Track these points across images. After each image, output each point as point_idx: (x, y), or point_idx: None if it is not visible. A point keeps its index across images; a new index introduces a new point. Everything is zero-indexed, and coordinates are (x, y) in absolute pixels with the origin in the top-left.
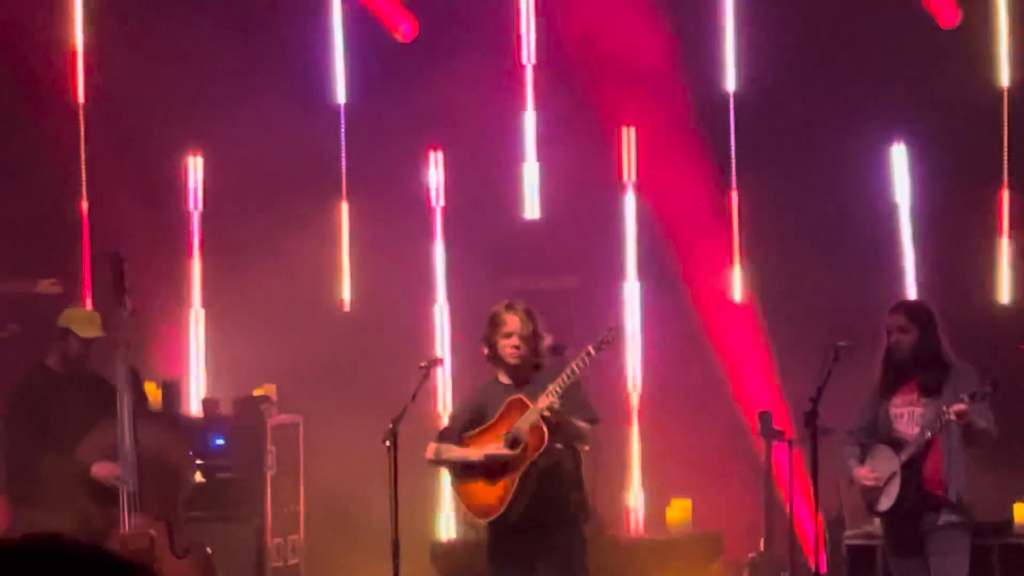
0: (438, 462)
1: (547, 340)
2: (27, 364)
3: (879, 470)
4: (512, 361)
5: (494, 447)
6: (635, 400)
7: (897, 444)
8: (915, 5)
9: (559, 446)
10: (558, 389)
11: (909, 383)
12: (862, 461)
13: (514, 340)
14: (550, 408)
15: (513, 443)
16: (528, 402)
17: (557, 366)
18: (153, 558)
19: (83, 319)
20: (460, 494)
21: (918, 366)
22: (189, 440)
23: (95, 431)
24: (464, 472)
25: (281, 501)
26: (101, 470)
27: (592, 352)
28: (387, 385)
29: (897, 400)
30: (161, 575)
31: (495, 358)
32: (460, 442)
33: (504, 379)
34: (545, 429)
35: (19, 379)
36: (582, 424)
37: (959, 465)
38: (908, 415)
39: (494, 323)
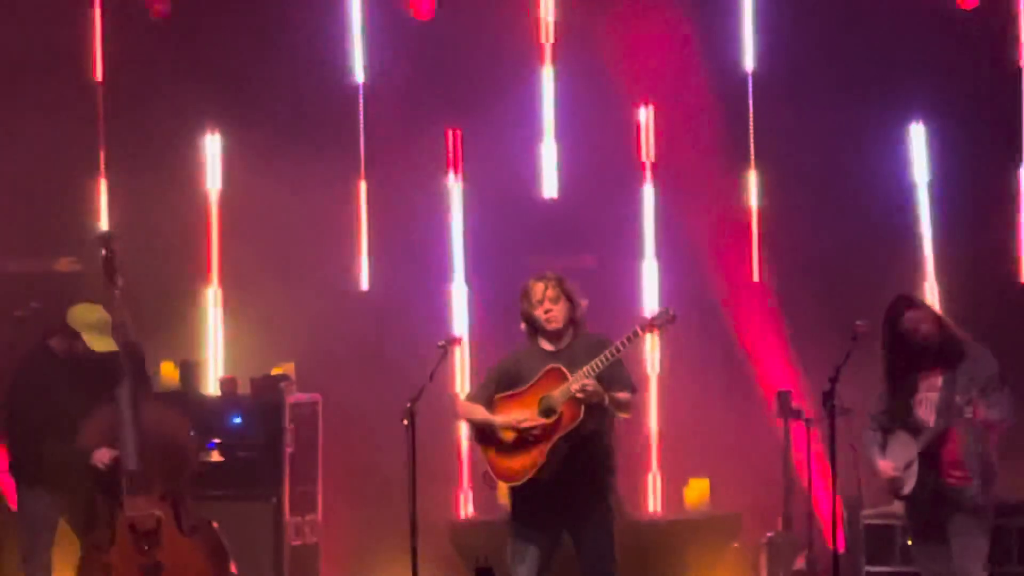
0: (466, 419)
1: (583, 304)
2: (29, 345)
3: (899, 458)
4: (550, 327)
5: (528, 413)
6: (653, 380)
7: (916, 430)
8: None
9: (592, 428)
10: (595, 369)
11: (930, 367)
12: (884, 448)
13: (546, 305)
14: (583, 390)
15: (547, 412)
16: (567, 373)
17: (598, 335)
18: (160, 538)
19: (95, 328)
20: (485, 454)
21: (936, 353)
22: (207, 420)
23: (96, 415)
24: (491, 434)
25: (299, 480)
26: (101, 457)
27: (639, 332)
28: (405, 364)
29: (919, 386)
30: (170, 554)
31: (534, 329)
32: (492, 403)
33: (546, 345)
34: (583, 407)
35: (20, 360)
36: (621, 396)
37: (980, 447)
38: (926, 401)
39: (525, 294)
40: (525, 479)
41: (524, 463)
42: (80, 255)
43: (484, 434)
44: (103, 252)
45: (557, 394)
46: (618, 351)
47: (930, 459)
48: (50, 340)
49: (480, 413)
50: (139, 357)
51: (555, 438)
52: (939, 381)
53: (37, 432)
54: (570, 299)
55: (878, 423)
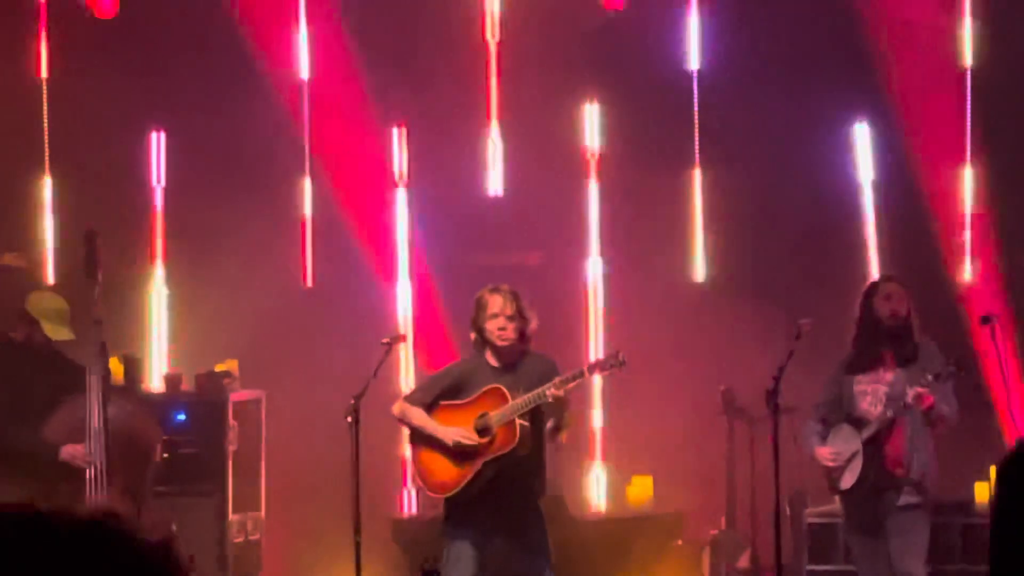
0: (403, 421)
1: (533, 323)
2: None
3: (840, 449)
4: (500, 343)
5: (463, 430)
6: (597, 377)
7: (859, 423)
8: None
9: (524, 453)
10: (536, 400)
11: (879, 359)
12: (824, 439)
13: (500, 321)
14: (523, 429)
15: (483, 431)
16: (507, 395)
17: (547, 360)
18: None
19: (54, 316)
20: (417, 461)
21: (895, 341)
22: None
23: (62, 409)
24: (427, 440)
25: (242, 477)
26: (74, 453)
27: (585, 374)
28: (349, 361)
29: (862, 377)
30: None
31: (483, 341)
32: (433, 409)
33: (493, 360)
34: (518, 431)
35: None
36: (562, 421)
37: (922, 444)
38: (872, 393)
39: (479, 305)
40: (451, 492)
41: (453, 476)
42: (24, 251)
43: (419, 437)
44: (86, 249)
45: (494, 416)
46: (561, 387)
47: (873, 452)
48: (12, 333)
49: (420, 418)
50: (106, 354)
51: (485, 459)
52: (889, 375)
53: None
54: (523, 316)
55: (819, 414)
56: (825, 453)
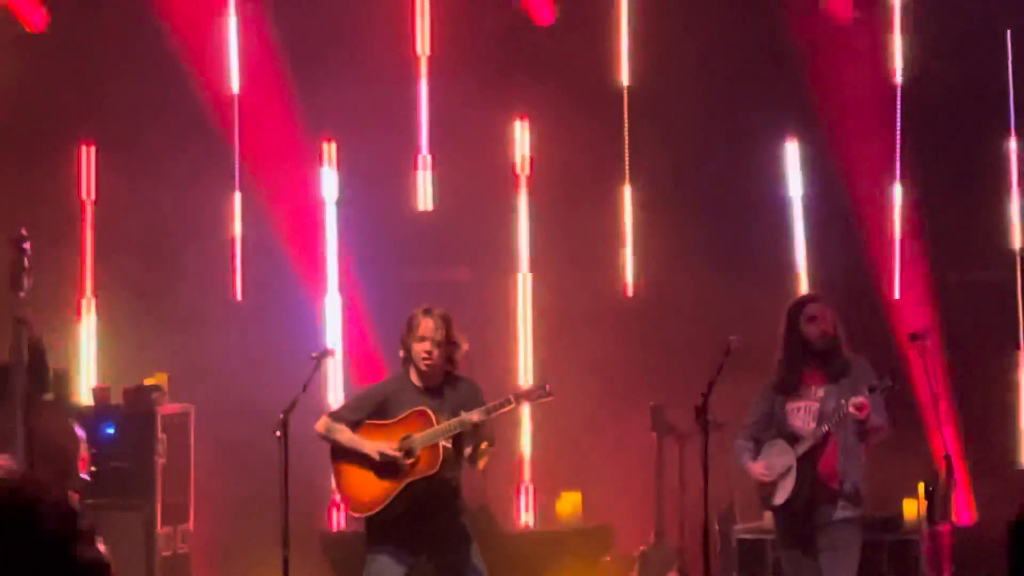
0: (327, 438)
1: (464, 347)
2: None
3: (773, 465)
4: (422, 367)
5: (388, 446)
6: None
7: (792, 438)
8: (803, 2)
9: (445, 476)
10: (458, 427)
11: (809, 376)
12: (756, 456)
13: (427, 345)
14: (446, 451)
15: (407, 453)
16: (433, 418)
17: (473, 386)
18: None
19: None
20: (339, 477)
21: (823, 358)
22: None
23: None
24: (349, 456)
25: (171, 490)
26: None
27: (512, 401)
28: (278, 375)
29: (793, 396)
30: None
31: (409, 360)
32: (358, 428)
33: (417, 381)
34: (441, 455)
35: None
36: (480, 448)
37: (855, 459)
38: (805, 410)
39: (410, 326)
40: (373, 511)
41: (374, 495)
42: None
43: (342, 454)
44: (14, 254)
45: (419, 438)
46: (486, 414)
47: (807, 467)
48: None
49: (346, 435)
50: (41, 360)
51: (408, 480)
52: (820, 392)
53: None
54: (451, 341)
55: (750, 432)
56: (758, 468)
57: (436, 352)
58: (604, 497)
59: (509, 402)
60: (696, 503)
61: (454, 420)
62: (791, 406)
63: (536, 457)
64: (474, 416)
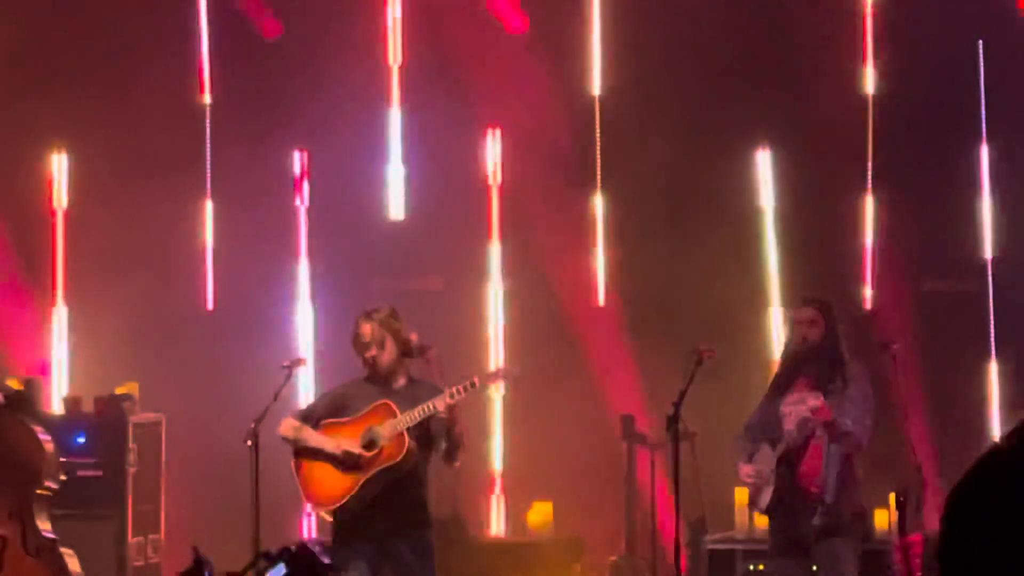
0: (291, 440)
1: (413, 338)
2: None
3: (761, 468)
4: (371, 369)
5: (350, 442)
6: (497, 402)
7: (777, 442)
8: (775, 13)
9: (410, 467)
10: (426, 413)
11: (803, 380)
12: (751, 457)
13: (372, 350)
14: (411, 442)
15: (370, 445)
16: (395, 409)
17: (433, 385)
18: (2, 560)
19: None
20: (301, 475)
21: (815, 362)
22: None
23: None
24: (312, 455)
25: (142, 499)
26: None
27: (476, 383)
28: (250, 385)
29: (788, 398)
30: (14, 575)
31: (363, 363)
32: (318, 427)
33: (376, 381)
34: (406, 443)
35: None
36: (454, 439)
37: (837, 465)
38: (795, 414)
39: (354, 334)
40: (336, 506)
41: (338, 490)
42: None
43: (305, 452)
44: None
45: (382, 427)
46: (452, 398)
47: (786, 470)
48: None
49: (306, 433)
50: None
51: (372, 471)
52: (805, 394)
53: None
54: (397, 338)
55: (749, 434)
56: (745, 470)
57: (380, 352)
58: (575, 507)
59: (473, 384)
60: (667, 513)
61: (418, 407)
62: (784, 410)
63: (507, 467)
64: (438, 403)
